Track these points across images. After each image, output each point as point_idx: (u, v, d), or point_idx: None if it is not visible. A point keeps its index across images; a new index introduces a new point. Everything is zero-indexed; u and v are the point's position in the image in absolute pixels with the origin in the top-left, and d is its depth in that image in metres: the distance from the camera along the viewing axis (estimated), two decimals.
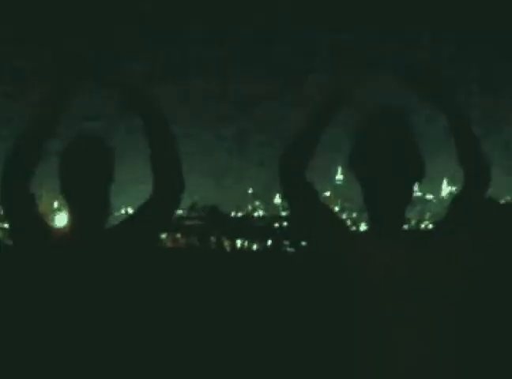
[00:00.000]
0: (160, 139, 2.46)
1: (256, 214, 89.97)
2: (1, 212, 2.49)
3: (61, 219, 2.59)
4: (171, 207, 2.50)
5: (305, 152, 2.26)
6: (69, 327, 2.33)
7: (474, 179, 2.24)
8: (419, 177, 2.22)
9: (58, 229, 2.51)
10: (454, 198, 2.26)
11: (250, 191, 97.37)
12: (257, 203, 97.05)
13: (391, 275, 2.10)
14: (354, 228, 2.37)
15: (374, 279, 2.09)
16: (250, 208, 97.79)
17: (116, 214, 2.81)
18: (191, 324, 7.48)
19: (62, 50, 2.50)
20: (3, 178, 2.45)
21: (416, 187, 2.27)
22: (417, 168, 2.22)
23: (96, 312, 2.36)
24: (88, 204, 2.45)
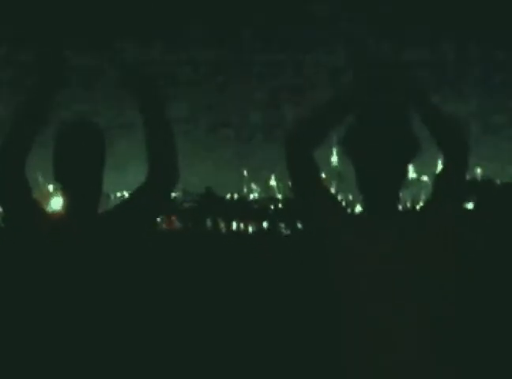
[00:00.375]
0: (154, 122, 2.44)
1: (252, 196, 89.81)
2: None
3: (56, 204, 2.55)
4: (166, 191, 2.47)
5: (317, 134, 2.23)
6: (64, 313, 2.28)
7: (450, 151, 2.19)
8: (412, 157, 2.18)
9: (52, 214, 2.47)
10: (437, 175, 2.22)
11: (245, 173, 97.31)
12: (252, 185, 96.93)
13: (385, 256, 2.06)
14: (349, 210, 2.35)
15: (369, 260, 2.05)
16: (245, 190, 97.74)
17: (112, 198, 2.94)
18: (188, 309, 7.48)
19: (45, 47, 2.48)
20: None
21: (410, 168, 2.24)
22: (411, 148, 2.18)
23: (92, 297, 2.32)
24: (81, 187, 2.41)
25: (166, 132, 2.46)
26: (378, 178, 2.14)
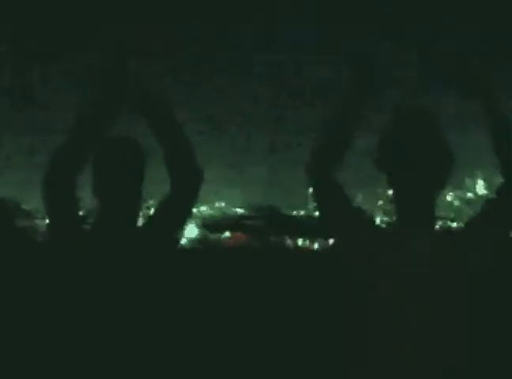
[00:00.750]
0: (171, 135, 2.64)
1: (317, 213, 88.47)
2: (43, 211, 2.66)
3: (96, 218, 2.78)
4: (191, 199, 2.71)
5: (336, 151, 2.38)
6: (100, 323, 2.54)
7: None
8: (448, 172, 2.32)
9: (91, 228, 2.70)
10: (489, 198, 2.33)
11: (310, 191, 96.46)
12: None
13: (414, 271, 2.21)
14: (377, 224, 2.44)
15: (395, 275, 2.21)
16: (310, 207, 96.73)
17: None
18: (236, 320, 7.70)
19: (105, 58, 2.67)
20: (47, 179, 2.65)
21: (449, 185, 2.33)
22: (446, 163, 2.32)
23: (128, 309, 2.57)
24: (121, 203, 2.67)
25: (187, 145, 2.67)
26: (411, 192, 2.27)
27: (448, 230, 2.41)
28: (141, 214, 2.78)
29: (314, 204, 2.42)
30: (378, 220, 2.48)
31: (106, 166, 2.67)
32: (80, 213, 2.71)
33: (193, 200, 2.73)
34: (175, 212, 2.72)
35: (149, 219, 2.75)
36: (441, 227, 2.40)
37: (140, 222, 2.75)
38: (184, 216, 2.73)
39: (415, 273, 2.22)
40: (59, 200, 2.66)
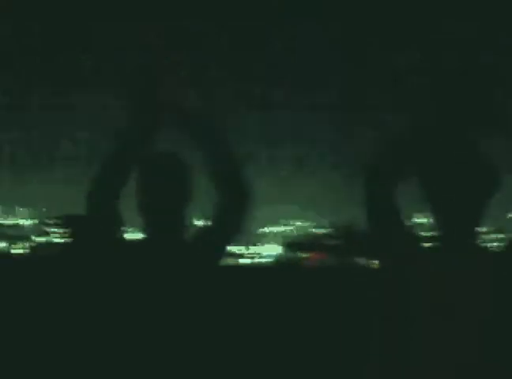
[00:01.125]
0: (219, 152, 2.58)
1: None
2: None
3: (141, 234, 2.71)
4: (239, 217, 2.62)
5: (396, 170, 2.33)
6: (139, 336, 2.48)
7: None
8: (493, 190, 2.27)
9: (135, 243, 2.63)
10: None
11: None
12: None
13: (455, 294, 2.17)
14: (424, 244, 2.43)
15: (438, 297, 2.18)
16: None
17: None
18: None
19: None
20: (95, 193, 2.60)
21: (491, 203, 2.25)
22: (490, 181, 2.28)
23: (169, 325, 2.50)
24: (167, 221, 2.61)
25: (235, 164, 2.62)
26: (455, 211, 2.23)
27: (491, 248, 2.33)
28: (187, 229, 2.73)
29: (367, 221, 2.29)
30: (425, 238, 2.42)
31: (151, 180, 2.61)
32: (125, 229, 2.66)
33: (242, 216, 2.61)
34: (221, 230, 2.61)
35: (196, 235, 2.65)
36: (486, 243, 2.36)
37: (186, 237, 2.66)
38: (231, 234, 2.62)
39: (459, 291, 2.20)
40: (104, 215, 2.60)
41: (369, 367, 2.25)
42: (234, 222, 2.63)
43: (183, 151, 2.65)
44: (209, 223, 2.62)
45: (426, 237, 2.32)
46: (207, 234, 2.62)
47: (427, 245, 2.34)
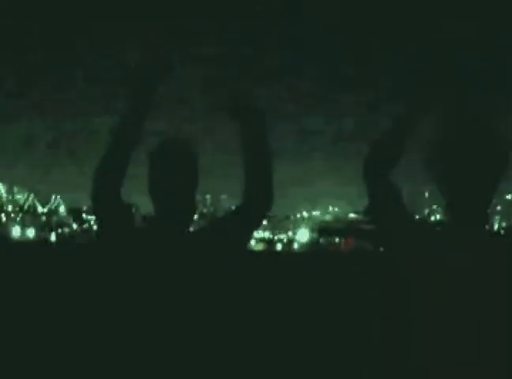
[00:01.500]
0: (258, 152, 2.44)
1: (433, 218, 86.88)
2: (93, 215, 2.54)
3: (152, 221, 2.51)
4: (259, 216, 2.48)
5: (395, 153, 2.20)
6: (146, 327, 2.29)
7: None
8: (502, 171, 2.07)
9: (145, 229, 2.47)
10: None
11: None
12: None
13: (465, 276, 2.00)
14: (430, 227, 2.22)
15: (446, 279, 2.00)
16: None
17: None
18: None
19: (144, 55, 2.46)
20: (97, 186, 2.42)
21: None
22: (501, 161, 2.07)
23: (174, 313, 2.32)
24: (175, 206, 2.42)
25: (269, 161, 2.45)
26: (466, 192, 2.07)
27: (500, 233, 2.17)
28: (196, 217, 2.59)
29: (370, 206, 2.26)
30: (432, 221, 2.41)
31: (162, 168, 2.43)
32: (135, 216, 2.52)
33: (262, 216, 2.51)
34: (241, 226, 2.47)
35: (212, 224, 2.53)
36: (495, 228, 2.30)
37: (197, 225, 2.55)
38: (248, 230, 2.50)
39: (468, 274, 2.02)
40: (113, 202, 2.43)
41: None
42: (253, 219, 2.48)
43: (193, 139, 2.54)
44: (229, 218, 2.48)
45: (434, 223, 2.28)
46: (223, 223, 2.48)
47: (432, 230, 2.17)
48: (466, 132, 2.08)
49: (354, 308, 8.07)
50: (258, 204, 2.45)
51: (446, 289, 2.00)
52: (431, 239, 2.09)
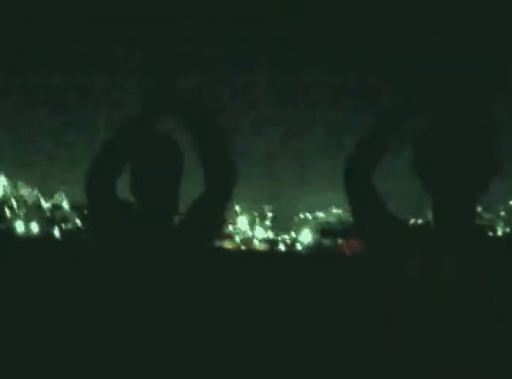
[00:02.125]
0: (212, 138, 2.40)
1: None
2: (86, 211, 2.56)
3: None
4: (225, 200, 2.43)
5: (377, 156, 2.18)
6: (132, 320, 2.31)
7: None
8: (492, 176, 2.05)
9: (129, 226, 2.44)
10: None
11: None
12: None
13: (452, 280, 1.98)
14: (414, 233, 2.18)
15: (434, 283, 1.99)
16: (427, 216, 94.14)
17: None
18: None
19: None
20: (90, 182, 2.42)
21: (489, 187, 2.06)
22: (490, 167, 2.04)
23: (159, 309, 2.32)
24: (158, 202, 2.41)
25: (223, 143, 2.43)
26: (452, 197, 2.03)
27: (488, 237, 2.09)
28: (179, 213, 2.55)
29: (349, 207, 2.20)
30: (417, 224, 2.27)
31: (144, 164, 2.41)
32: (120, 212, 2.49)
33: (227, 200, 2.46)
34: (209, 212, 2.44)
35: (185, 218, 2.49)
36: (480, 233, 2.12)
37: (177, 220, 2.51)
38: (217, 216, 2.44)
39: (449, 279, 2.00)
40: (101, 199, 2.42)
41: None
42: (218, 207, 2.45)
43: (177, 136, 2.53)
44: (197, 206, 2.46)
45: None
46: (195, 216, 2.46)
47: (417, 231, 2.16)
48: (452, 131, 2.05)
49: (351, 310, 8.10)
50: (225, 187, 2.42)
51: (436, 291, 1.98)
52: (417, 241, 2.07)
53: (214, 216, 2.43)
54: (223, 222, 2.45)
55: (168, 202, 2.42)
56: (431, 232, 2.09)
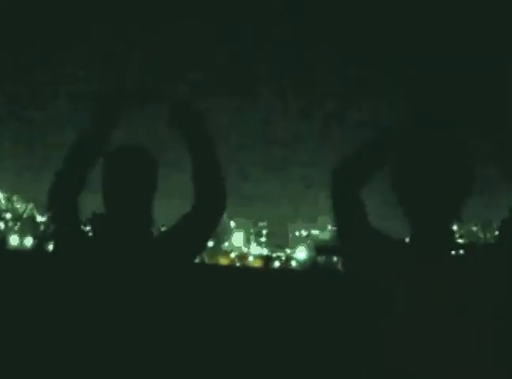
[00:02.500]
0: (203, 150, 2.38)
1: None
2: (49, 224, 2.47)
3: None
4: (216, 216, 2.40)
5: (364, 171, 2.16)
6: (105, 332, 2.25)
7: None
8: (467, 194, 2.03)
9: (101, 239, 2.41)
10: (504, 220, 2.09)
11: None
12: None
13: (435, 296, 1.97)
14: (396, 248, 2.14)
15: (411, 297, 1.98)
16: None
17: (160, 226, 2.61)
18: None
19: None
20: (54, 193, 2.38)
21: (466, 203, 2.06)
22: (465, 184, 2.03)
23: (133, 320, 2.25)
24: (131, 214, 2.36)
25: (215, 163, 2.40)
26: (429, 214, 2.03)
27: (464, 255, 2.11)
28: (154, 226, 2.50)
29: (334, 224, 2.19)
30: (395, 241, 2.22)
31: (116, 176, 2.36)
32: (88, 225, 2.62)
33: (218, 215, 2.41)
34: (197, 228, 2.39)
35: (166, 233, 2.44)
36: (458, 250, 2.12)
37: (157, 234, 2.45)
38: (205, 232, 2.42)
39: (429, 297, 1.99)
40: (67, 210, 2.39)
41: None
42: (206, 224, 2.41)
43: (151, 145, 2.49)
44: (184, 222, 2.41)
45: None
46: (178, 232, 2.41)
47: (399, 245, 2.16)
48: (427, 146, 2.05)
49: (345, 326, 8.15)
50: (211, 205, 2.37)
51: (419, 303, 1.97)
52: (399, 255, 2.05)
53: (203, 230, 2.39)
54: (211, 233, 2.41)
55: (140, 216, 2.37)
56: (411, 246, 2.09)
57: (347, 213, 2.14)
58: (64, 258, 2.35)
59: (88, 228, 2.42)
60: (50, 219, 2.36)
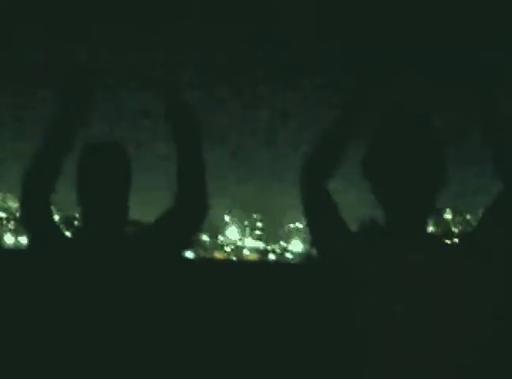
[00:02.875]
0: (190, 147, 2.36)
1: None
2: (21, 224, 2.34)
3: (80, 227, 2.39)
4: (199, 216, 2.35)
5: (332, 159, 2.15)
6: (82, 333, 2.22)
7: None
8: (441, 180, 2.03)
9: (77, 237, 2.38)
10: (488, 205, 2.04)
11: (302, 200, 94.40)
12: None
13: (409, 283, 1.95)
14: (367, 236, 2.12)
15: (389, 286, 1.96)
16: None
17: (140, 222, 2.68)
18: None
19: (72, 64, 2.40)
20: (24, 192, 2.35)
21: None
22: (438, 171, 2.03)
23: (110, 319, 2.23)
24: (106, 210, 2.32)
25: (200, 161, 2.38)
26: (403, 200, 2.01)
27: (442, 243, 2.11)
28: (129, 222, 2.45)
29: (305, 214, 2.16)
30: (369, 230, 2.21)
31: (89, 172, 2.32)
32: (63, 222, 2.43)
33: (202, 215, 2.38)
34: (179, 226, 2.36)
35: (146, 228, 2.42)
36: (434, 238, 2.12)
37: (135, 231, 2.42)
38: (190, 231, 2.39)
39: (406, 283, 1.98)
40: (40, 208, 2.34)
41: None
42: (189, 221, 2.38)
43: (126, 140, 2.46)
44: (164, 220, 2.39)
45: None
46: (160, 226, 2.38)
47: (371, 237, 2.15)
48: (401, 134, 2.03)
49: (340, 318, 8.18)
50: (199, 201, 2.36)
51: (395, 292, 1.96)
52: (371, 246, 2.05)
53: (188, 224, 2.36)
54: (198, 230, 2.38)
55: (116, 212, 2.33)
56: (384, 235, 2.09)
57: (314, 206, 2.12)
58: (40, 255, 2.32)
59: (62, 225, 2.34)
60: (22, 216, 2.32)
